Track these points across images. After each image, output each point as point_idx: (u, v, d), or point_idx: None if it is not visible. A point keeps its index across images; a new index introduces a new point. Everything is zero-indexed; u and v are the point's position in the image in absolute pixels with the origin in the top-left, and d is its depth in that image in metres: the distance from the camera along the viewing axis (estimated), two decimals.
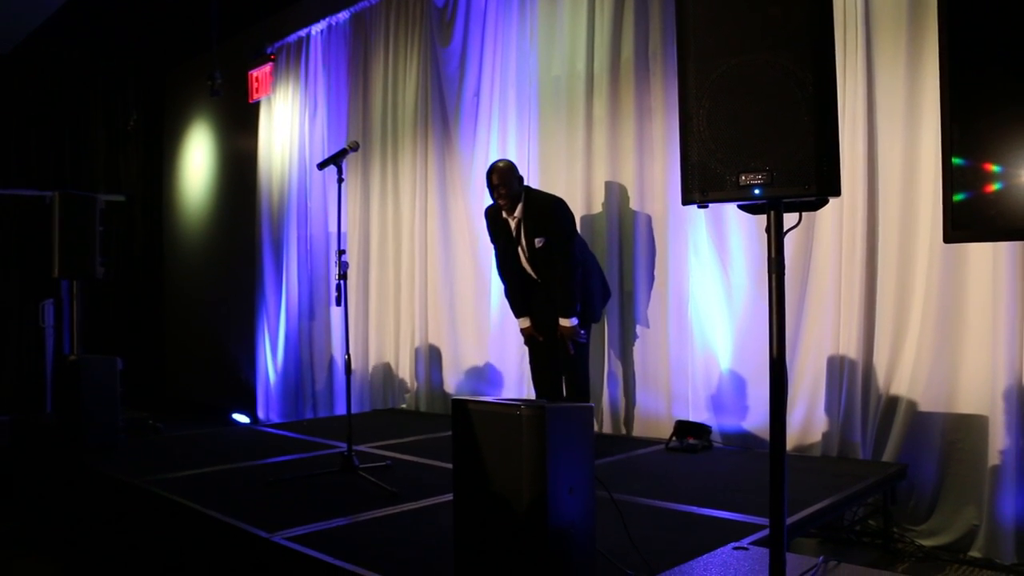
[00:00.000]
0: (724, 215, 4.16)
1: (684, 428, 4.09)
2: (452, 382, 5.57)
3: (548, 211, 4.17)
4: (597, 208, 4.72)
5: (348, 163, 4.68)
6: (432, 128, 5.67)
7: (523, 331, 4.40)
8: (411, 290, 5.85)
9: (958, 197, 1.77)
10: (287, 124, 7.11)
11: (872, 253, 3.70)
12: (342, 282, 3.59)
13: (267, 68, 7.40)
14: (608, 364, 4.68)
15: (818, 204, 1.97)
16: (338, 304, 3.56)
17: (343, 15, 6.55)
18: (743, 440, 4.13)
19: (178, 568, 3.16)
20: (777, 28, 1.92)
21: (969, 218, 1.76)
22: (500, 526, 2.01)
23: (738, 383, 4.17)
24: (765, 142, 1.93)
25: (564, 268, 4.09)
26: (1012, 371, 3.21)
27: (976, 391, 3.38)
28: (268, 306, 7.29)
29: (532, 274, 4.31)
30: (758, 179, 1.93)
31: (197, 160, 8.84)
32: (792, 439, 3.86)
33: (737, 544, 2.45)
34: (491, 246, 4.51)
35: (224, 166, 8.44)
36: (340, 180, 3.69)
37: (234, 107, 7.94)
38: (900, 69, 3.59)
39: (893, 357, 3.65)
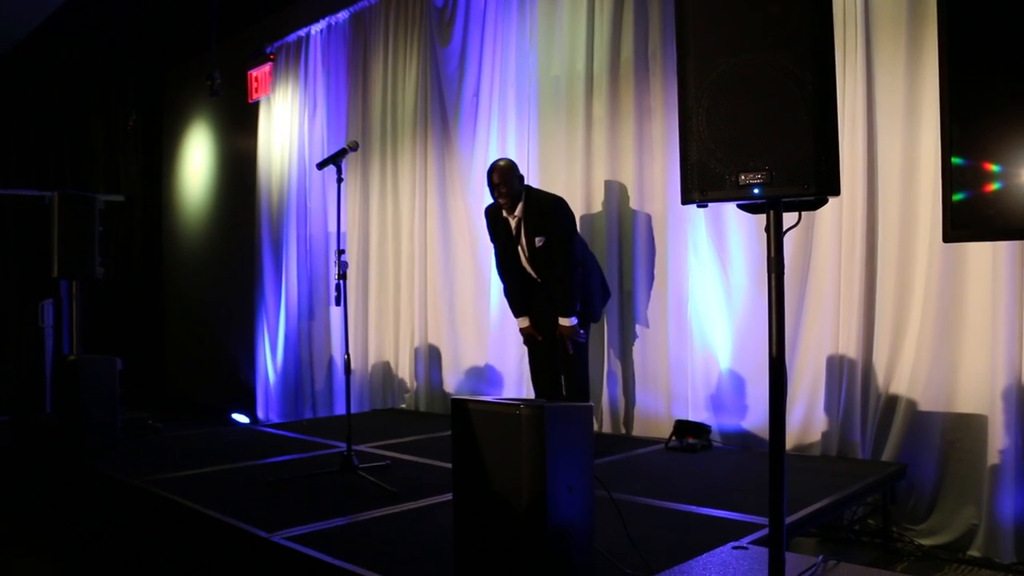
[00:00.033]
0: (724, 215, 4.16)
1: (684, 428, 4.09)
2: (452, 382, 5.57)
3: (548, 210, 4.17)
4: (597, 208, 4.72)
5: (347, 163, 4.68)
6: (432, 128, 5.67)
7: (522, 331, 4.40)
8: (411, 290, 5.85)
9: (957, 196, 1.77)
10: (286, 124, 7.11)
11: (871, 252, 3.70)
12: (341, 282, 3.59)
13: (266, 68, 7.40)
14: (608, 364, 4.68)
15: (817, 203, 1.97)
16: (337, 304, 3.56)
17: (342, 15, 6.55)
18: (742, 440, 4.13)
19: (178, 568, 3.16)
20: (777, 28, 1.92)
21: (968, 217, 1.77)
22: (500, 526, 2.01)
23: (737, 382, 4.17)
24: (764, 141, 1.93)
25: (564, 267, 4.09)
26: (1011, 371, 3.21)
27: (975, 390, 3.38)
28: (268, 306, 7.28)
29: (532, 273, 4.31)
30: (757, 178, 1.93)
31: (196, 160, 8.83)
32: (791, 438, 3.86)
33: (736, 543, 2.45)
34: (491, 245, 4.51)
35: (223, 166, 8.43)
36: (340, 180, 3.69)
37: (233, 107, 7.93)
38: (900, 69, 3.59)
39: (892, 356, 3.65)
